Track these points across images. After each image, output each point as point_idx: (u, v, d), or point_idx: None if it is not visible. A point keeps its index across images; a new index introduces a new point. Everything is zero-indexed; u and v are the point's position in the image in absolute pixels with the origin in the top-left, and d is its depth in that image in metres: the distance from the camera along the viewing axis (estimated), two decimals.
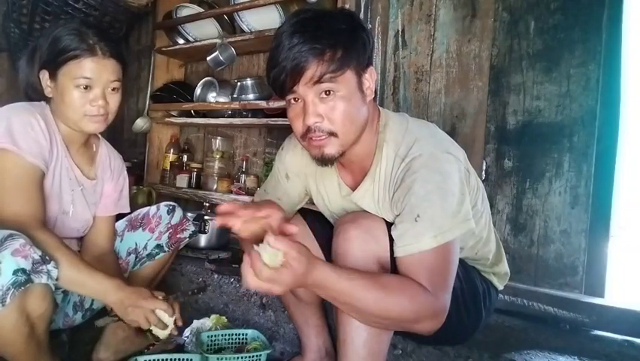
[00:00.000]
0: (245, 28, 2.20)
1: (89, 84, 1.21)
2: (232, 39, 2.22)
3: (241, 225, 0.94)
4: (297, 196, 1.31)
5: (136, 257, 1.54)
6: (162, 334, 1.19)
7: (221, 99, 2.36)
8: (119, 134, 3.11)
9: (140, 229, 1.55)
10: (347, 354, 1.00)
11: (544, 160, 1.57)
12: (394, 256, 0.97)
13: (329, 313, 1.39)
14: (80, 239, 1.46)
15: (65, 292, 1.33)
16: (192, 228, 1.64)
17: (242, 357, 1.31)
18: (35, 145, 1.19)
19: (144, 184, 2.56)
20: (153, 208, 1.58)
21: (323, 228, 1.27)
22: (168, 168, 2.62)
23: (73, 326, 1.43)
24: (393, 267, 0.98)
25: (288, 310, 1.40)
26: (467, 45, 1.73)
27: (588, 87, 1.50)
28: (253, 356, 1.31)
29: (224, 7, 2.34)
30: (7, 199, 1.14)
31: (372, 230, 1.00)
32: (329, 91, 0.96)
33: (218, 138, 2.50)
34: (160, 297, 1.20)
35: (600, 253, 1.50)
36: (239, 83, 2.27)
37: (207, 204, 2.28)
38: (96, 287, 1.14)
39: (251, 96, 2.22)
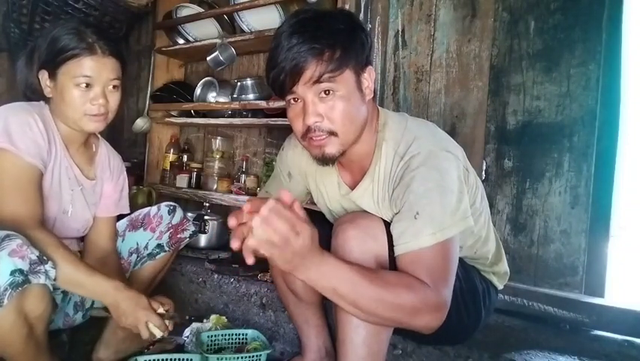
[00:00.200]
0: (245, 28, 2.20)
1: (89, 83, 1.21)
2: (232, 39, 2.22)
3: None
4: (299, 195, 1.31)
5: (137, 257, 1.54)
6: (158, 333, 1.18)
7: (221, 99, 2.35)
8: (119, 134, 3.11)
9: (142, 228, 1.55)
10: (346, 354, 1.00)
11: (544, 160, 1.57)
12: (394, 254, 0.97)
13: (329, 313, 1.39)
14: (81, 239, 1.46)
15: (65, 292, 1.33)
16: (192, 228, 1.64)
17: (242, 357, 1.31)
18: (33, 145, 1.19)
19: (144, 184, 2.56)
20: (154, 208, 1.58)
21: (323, 228, 1.26)
22: (168, 168, 2.62)
23: (74, 326, 1.43)
24: (392, 267, 0.98)
25: (288, 310, 1.40)
26: (467, 45, 1.73)
27: (588, 87, 1.50)
28: (253, 356, 1.31)
29: (224, 7, 2.34)
30: (4, 199, 1.13)
31: (370, 230, 1.00)
32: (328, 91, 0.96)
33: (218, 138, 2.50)
34: (159, 309, 1.20)
35: (600, 253, 1.50)
36: (239, 83, 2.27)
37: (207, 204, 2.28)
38: (94, 288, 1.14)
39: (251, 96, 2.22)
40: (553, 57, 1.56)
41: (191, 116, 2.53)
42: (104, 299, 1.16)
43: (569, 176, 1.53)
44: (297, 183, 1.29)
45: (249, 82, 2.24)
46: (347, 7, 1.80)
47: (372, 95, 1.05)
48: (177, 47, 2.53)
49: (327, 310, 1.39)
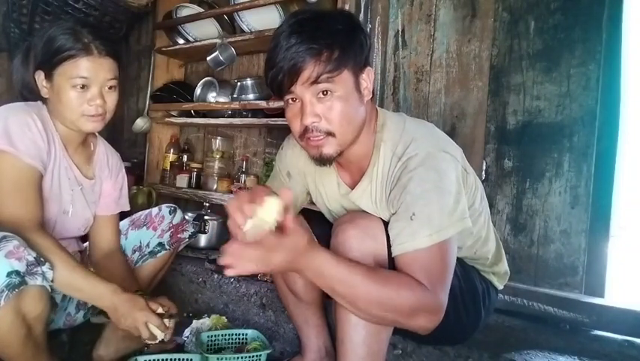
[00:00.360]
0: (245, 28, 2.20)
1: (86, 84, 1.20)
2: (232, 39, 2.22)
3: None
4: (299, 195, 1.31)
5: (139, 254, 1.55)
6: (151, 341, 1.18)
7: (221, 99, 2.35)
8: (119, 134, 3.11)
9: (144, 227, 1.56)
10: (346, 353, 1.00)
11: (544, 160, 1.57)
12: (392, 255, 0.97)
13: (329, 313, 1.39)
14: (81, 238, 1.46)
15: None
16: (191, 229, 1.66)
17: (242, 357, 1.31)
18: (33, 146, 1.18)
19: (144, 184, 2.56)
20: (155, 209, 1.60)
21: (323, 228, 1.27)
22: (168, 168, 2.62)
23: (74, 326, 1.43)
24: (391, 266, 0.98)
25: (288, 310, 1.40)
26: (467, 45, 1.73)
27: (588, 87, 1.50)
28: (253, 356, 1.31)
29: (224, 7, 2.34)
30: (4, 201, 1.13)
31: (369, 230, 1.00)
32: (326, 91, 0.96)
33: (218, 138, 2.50)
34: (158, 310, 1.20)
35: (600, 253, 1.50)
36: (239, 83, 2.27)
37: (207, 204, 2.28)
38: (91, 291, 1.14)
39: (251, 96, 2.22)
40: (553, 57, 1.56)
41: (191, 116, 2.53)
42: (101, 303, 1.15)
43: (569, 176, 1.53)
44: (297, 182, 1.29)
45: (249, 82, 2.25)
46: (347, 7, 1.80)
47: (370, 96, 1.05)
48: (177, 47, 2.53)
49: (327, 310, 1.39)
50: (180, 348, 1.43)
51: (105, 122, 1.28)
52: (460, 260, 1.07)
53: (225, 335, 1.45)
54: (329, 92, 0.96)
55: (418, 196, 0.96)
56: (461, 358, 1.23)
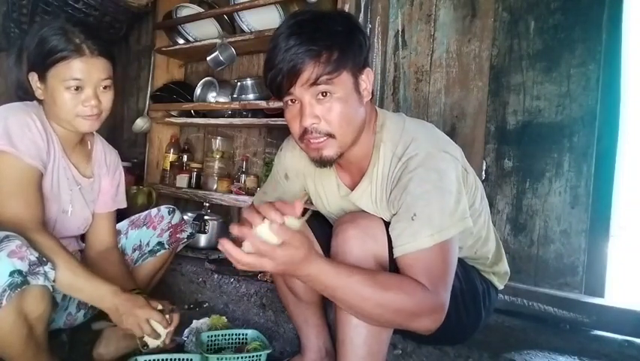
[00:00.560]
0: (245, 28, 2.20)
1: (80, 85, 1.19)
2: (232, 39, 2.22)
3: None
4: (296, 197, 1.31)
5: (139, 253, 1.56)
6: (153, 343, 1.18)
7: (221, 99, 2.35)
8: (119, 134, 3.12)
9: (144, 227, 1.57)
10: (346, 354, 1.00)
11: (544, 160, 1.57)
12: (393, 256, 0.97)
13: (329, 313, 1.39)
14: (81, 237, 1.46)
15: None
16: (190, 230, 1.67)
17: (242, 357, 1.31)
18: (33, 146, 1.18)
19: (144, 184, 2.56)
20: (154, 210, 1.61)
21: (322, 228, 1.27)
22: (168, 168, 2.62)
23: (74, 326, 1.43)
24: (392, 267, 0.98)
25: (288, 310, 1.40)
26: (467, 45, 1.73)
27: (588, 87, 1.50)
28: (253, 356, 1.31)
29: (224, 7, 2.34)
30: (5, 202, 1.13)
31: (370, 230, 1.00)
32: (326, 92, 0.96)
33: (218, 138, 2.50)
34: (158, 307, 1.20)
35: (600, 253, 1.50)
36: (239, 83, 2.27)
37: (207, 204, 2.28)
38: (93, 292, 1.14)
39: (251, 96, 2.22)
40: (554, 57, 1.56)
41: (191, 116, 2.53)
42: (102, 304, 1.15)
43: (569, 176, 1.53)
44: (294, 184, 1.29)
45: (249, 82, 2.24)
46: (347, 7, 1.80)
47: (369, 97, 1.05)
48: (177, 47, 2.53)
49: (327, 310, 1.39)
50: (180, 348, 1.43)
51: (101, 121, 1.27)
52: (460, 260, 1.07)
53: (225, 335, 1.45)
54: (328, 94, 0.96)
55: (419, 197, 0.96)
56: (461, 358, 1.23)
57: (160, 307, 1.21)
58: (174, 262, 1.86)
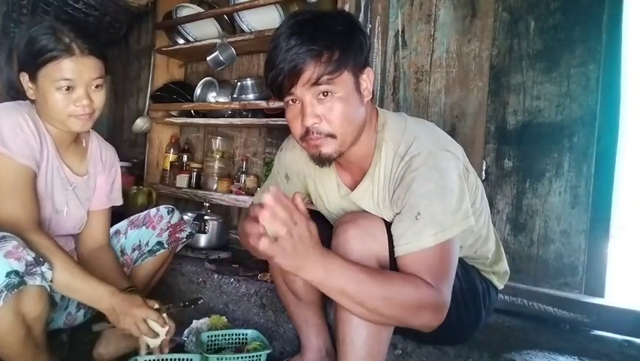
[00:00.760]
0: (245, 28, 2.20)
1: (71, 85, 1.17)
2: (232, 39, 2.22)
3: None
4: None
5: (139, 253, 1.56)
6: (152, 343, 1.17)
7: (221, 99, 2.36)
8: (119, 134, 3.12)
9: (144, 227, 1.56)
10: (346, 354, 1.00)
11: (544, 160, 1.57)
12: (395, 255, 0.97)
13: (329, 313, 1.39)
14: (77, 236, 1.46)
15: None
16: (189, 230, 1.66)
17: (242, 357, 1.31)
18: (26, 146, 1.18)
19: (144, 184, 2.56)
20: (154, 210, 1.60)
21: (323, 228, 1.27)
22: (168, 168, 2.62)
23: (74, 326, 1.43)
24: (392, 267, 0.98)
25: (288, 310, 1.40)
26: (467, 45, 1.73)
27: (588, 87, 1.50)
28: (253, 356, 1.31)
29: (224, 7, 2.34)
30: (1, 203, 1.13)
31: (371, 230, 1.00)
32: (327, 92, 0.96)
33: (218, 138, 2.50)
34: (155, 306, 1.19)
35: (600, 253, 1.50)
36: (239, 83, 2.27)
37: (207, 204, 2.28)
38: (90, 293, 1.14)
39: (251, 96, 2.22)
40: (554, 57, 1.56)
41: (191, 116, 2.53)
42: (99, 305, 1.15)
43: (569, 176, 1.53)
44: (294, 184, 1.29)
45: (249, 82, 2.25)
46: (347, 7, 1.81)
47: (370, 97, 1.05)
48: (177, 47, 2.53)
49: (327, 310, 1.39)
50: (180, 348, 1.43)
51: (94, 119, 1.26)
52: (460, 260, 1.07)
53: (225, 335, 1.45)
54: (329, 94, 0.96)
55: (422, 196, 0.96)
56: (461, 358, 1.23)
57: (157, 306, 1.20)
58: (174, 262, 1.86)
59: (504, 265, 1.25)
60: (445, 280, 0.94)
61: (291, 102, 1.01)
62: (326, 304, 1.38)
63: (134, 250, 1.54)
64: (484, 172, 1.68)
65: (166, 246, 1.57)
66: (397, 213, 1.01)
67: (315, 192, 1.26)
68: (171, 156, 2.63)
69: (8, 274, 0.95)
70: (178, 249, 1.68)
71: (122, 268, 1.43)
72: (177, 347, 1.43)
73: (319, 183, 1.23)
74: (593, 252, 1.50)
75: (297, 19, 0.98)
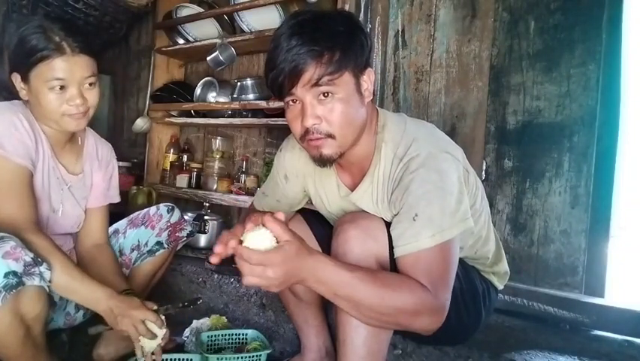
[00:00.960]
0: (245, 28, 2.20)
1: (64, 84, 1.16)
2: (232, 39, 2.22)
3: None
4: (295, 198, 1.31)
5: (138, 253, 1.55)
6: (149, 345, 1.16)
7: (221, 99, 2.36)
8: (119, 134, 3.12)
9: (143, 226, 1.55)
10: (346, 354, 1.00)
11: (544, 160, 1.57)
12: (394, 256, 0.97)
13: (329, 313, 1.39)
14: (76, 234, 1.46)
15: None
16: (189, 228, 1.65)
17: (242, 357, 1.31)
18: (21, 146, 1.17)
19: (144, 184, 2.56)
20: (153, 208, 1.59)
21: (323, 228, 1.27)
22: (168, 168, 2.62)
23: (74, 326, 1.43)
24: (392, 267, 0.98)
25: (288, 310, 1.40)
26: (467, 45, 1.73)
27: (588, 87, 1.50)
28: (253, 356, 1.32)
29: (224, 7, 2.34)
30: None
31: (371, 230, 1.00)
32: (327, 93, 0.96)
33: (218, 138, 2.50)
34: (153, 307, 1.19)
35: (600, 253, 1.50)
36: (239, 83, 2.27)
37: (207, 204, 2.28)
38: (88, 295, 1.13)
39: (251, 96, 2.22)
40: (554, 57, 1.56)
41: (191, 116, 2.53)
42: (96, 307, 1.15)
43: (569, 176, 1.53)
44: (293, 185, 1.29)
45: (249, 82, 2.25)
46: (347, 7, 1.80)
47: (371, 97, 1.05)
48: (177, 47, 2.53)
49: (327, 310, 1.39)
50: (180, 348, 1.43)
51: (88, 118, 1.25)
52: (460, 260, 1.07)
53: (225, 335, 1.45)
54: (330, 94, 0.96)
55: (420, 197, 0.96)
56: (461, 358, 1.23)
57: (155, 307, 1.20)
58: (174, 262, 1.85)
59: (504, 266, 1.25)
60: (443, 283, 0.93)
61: (291, 103, 1.01)
62: (326, 305, 1.38)
63: (132, 250, 1.54)
64: (484, 172, 1.68)
65: (165, 246, 1.56)
66: (395, 214, 1.01)
67: (314, 192, 1.26)
68: (171, 156, 2.63)
69: (6, 275, 0.95)
70: (178, 247, 1.66)
71: (120, 268, 1.43)
72: (177, 347, 1.43)
73: (319, 184, 1.23)
74: (593, 252, 1.50)
75: (298, 19, 0.98)
